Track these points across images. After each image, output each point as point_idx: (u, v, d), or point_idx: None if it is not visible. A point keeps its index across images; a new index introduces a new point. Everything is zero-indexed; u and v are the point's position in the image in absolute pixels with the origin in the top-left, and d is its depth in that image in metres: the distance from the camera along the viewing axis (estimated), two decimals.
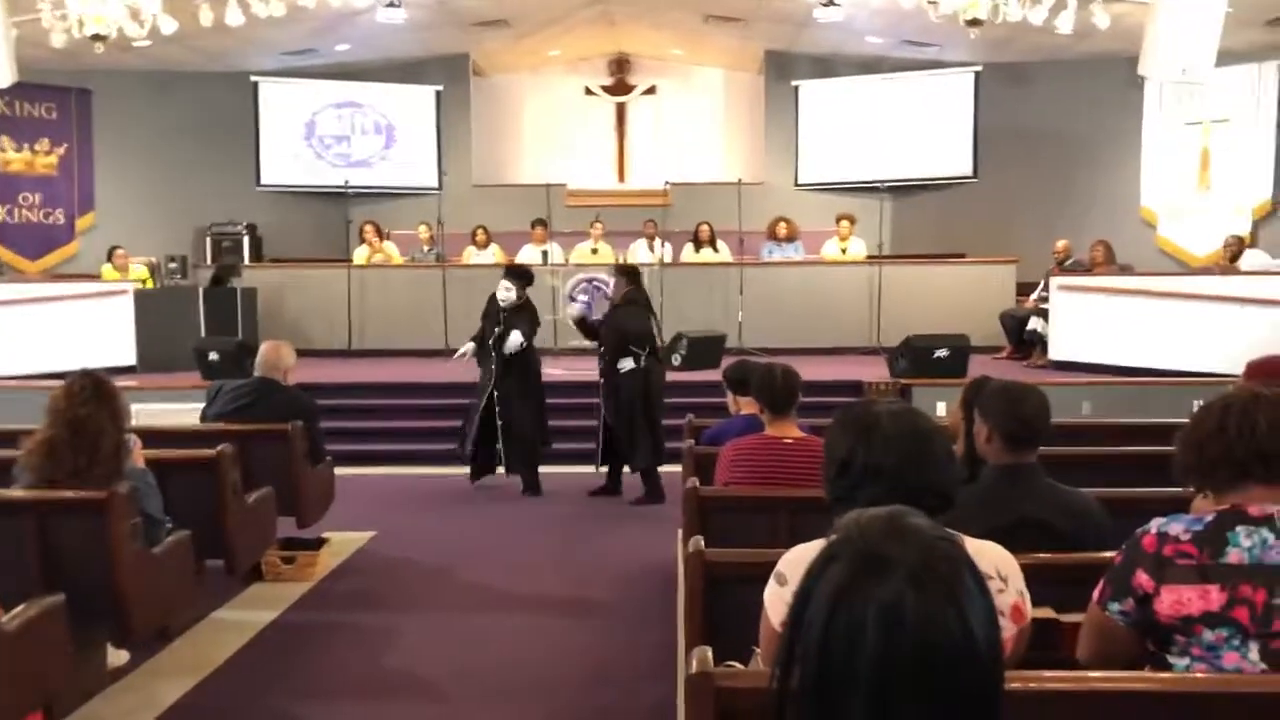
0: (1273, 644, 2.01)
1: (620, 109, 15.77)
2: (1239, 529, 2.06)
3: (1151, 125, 12.89)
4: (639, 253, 12.81)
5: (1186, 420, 2.31)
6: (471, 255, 12.98)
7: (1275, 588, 2.02)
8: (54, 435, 3.88)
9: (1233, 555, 2.04)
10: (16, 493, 3.88)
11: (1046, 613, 2.53)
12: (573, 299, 11.77)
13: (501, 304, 7.79)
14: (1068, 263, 11.12)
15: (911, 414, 2.23)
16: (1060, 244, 11.44)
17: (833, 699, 1.18)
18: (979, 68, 13.38)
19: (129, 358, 10.35)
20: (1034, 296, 11.16)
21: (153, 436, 5.04)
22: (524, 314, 7.86)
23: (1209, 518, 2.11)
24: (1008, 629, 2.11)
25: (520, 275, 8.04)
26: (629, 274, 7.81)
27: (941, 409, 8.40)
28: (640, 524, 6.86)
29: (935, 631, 1.16)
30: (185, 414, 7.72)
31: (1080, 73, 12.82)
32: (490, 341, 7.77)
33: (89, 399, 3.89)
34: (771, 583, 2.24)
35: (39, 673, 3.41)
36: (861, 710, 1.16)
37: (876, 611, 1.16)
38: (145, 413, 8.18)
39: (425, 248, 12.90)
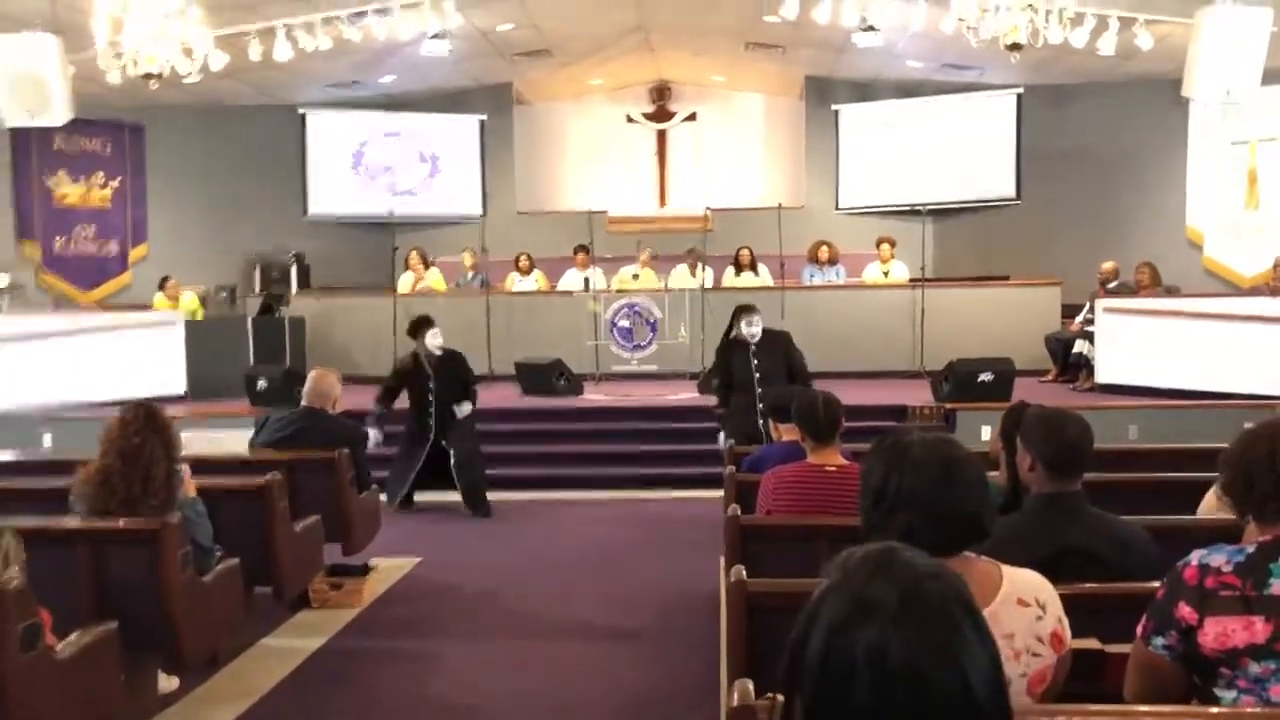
0: None
1: (661, 135, 15.86)
2: None
3: (1197, 145, 12.76)
4: (680, 277, 12.86)
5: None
6: (515, 282, 13.08)
7: None
8: (107, 465, 3.97)
9: (1276, 586, 2.03)
10: (71, 523, 3.98)
11: (1092, 643, 2.51)
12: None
13: (436, 354, 7.99)
14: (1112, 284, 11.00)
15: (944, 443, 2.24)
16: (1107, 265, 11.31)
17: None
18: (1021, 89, 13.33)
19: (180, 386, 10.54)
20: (1079, 319, 11.05)
21: (203, 465, 5.13)
22: (460, 368, 8.14)
23: (1250, 548, 2.09)
24: (1047, 657, 2.10)
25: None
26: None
27: (986, 433, 8.34)
28: (684, 551, 6.85)
29: (922, 671, 1.15)
30: (235, 441, 7.85)
31: (1123, 94, 12.73)
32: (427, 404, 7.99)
33: (142, 429, 3.98)
34: None
35: (91, 699, 3.48)
36: None
37: (864, 653, 1.17)
38: (196, 440, 8.32)
39: (469, 274, 13.03)
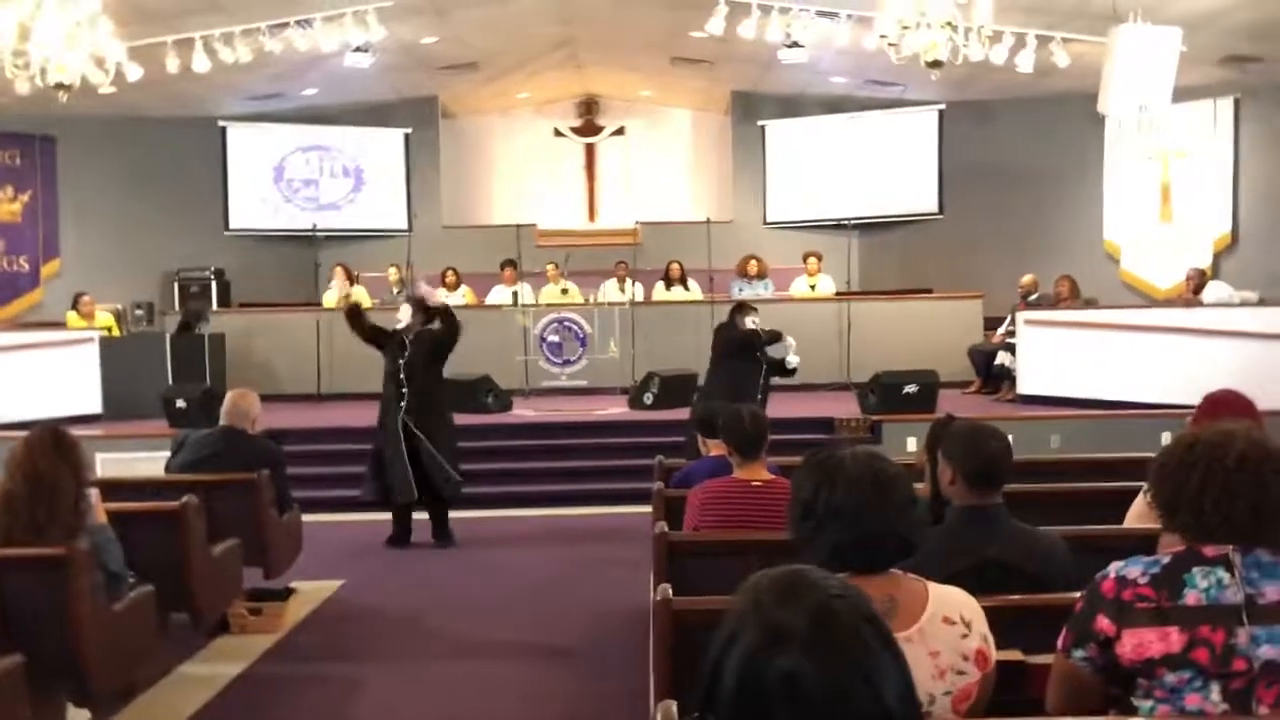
0: (1233, 684, 2.02)
1: (590, 150, 15.87)
2: (1195, 570, 2.07)
3: (1113, 160, 13.08)
4: (609, 292, 12.84)
5: (1153, 454, 2.32)
6: (441, 297, 12.94)
7: (1233, 628, 2.03)
8: (12, 489, 3.82)
9: (1190, 597, 2.05)
10: None
11: (1014, 655, 2.53)
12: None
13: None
14: (1032, 297, 11.22)
15: (873, 458, 2.24)
16: (1026, 278, 11.55)
17: None
18: (942, 106, 13.56)
19: (95, 406, 10.25)
20: (1000, 331, 11.25)
21: (116, 488, 4.99)
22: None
23: (1165, 559, 2.12)
24: (972, 675, 2.11)
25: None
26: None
27: (912, 444, 8.43)
28: (615, 567, 6.81)
29: (838, 694, 1.15)
30: (152, 462, 7.64)
31: (1042, 110, 13.01)
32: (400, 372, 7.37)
33: (47, 452, 3.84)
34: None
35: None
36: None
37: (779, 682, 1.16)
38: (111, 462, 8.10)
39: (395, 290, 12.87)
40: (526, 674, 4.98)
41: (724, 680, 1.19)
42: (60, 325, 11.46)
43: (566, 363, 12.19)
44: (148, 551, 4.58)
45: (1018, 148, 13.37)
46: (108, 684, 4.01)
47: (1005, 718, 2.11)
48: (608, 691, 4.70)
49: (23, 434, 4.04)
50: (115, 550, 4.12)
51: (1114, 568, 2.16)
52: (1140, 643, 2.06)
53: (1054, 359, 10.22)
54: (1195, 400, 4.04)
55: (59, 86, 7.49)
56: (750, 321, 7.78)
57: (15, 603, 3.73)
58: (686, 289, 12.90)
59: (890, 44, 8.92)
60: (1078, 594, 2.32)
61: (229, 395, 5.94)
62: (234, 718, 4.48)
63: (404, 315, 7.53)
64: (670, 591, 3.03)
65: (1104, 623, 2.11)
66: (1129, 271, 13.00)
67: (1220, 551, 2.09)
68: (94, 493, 4.07)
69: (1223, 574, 2.07)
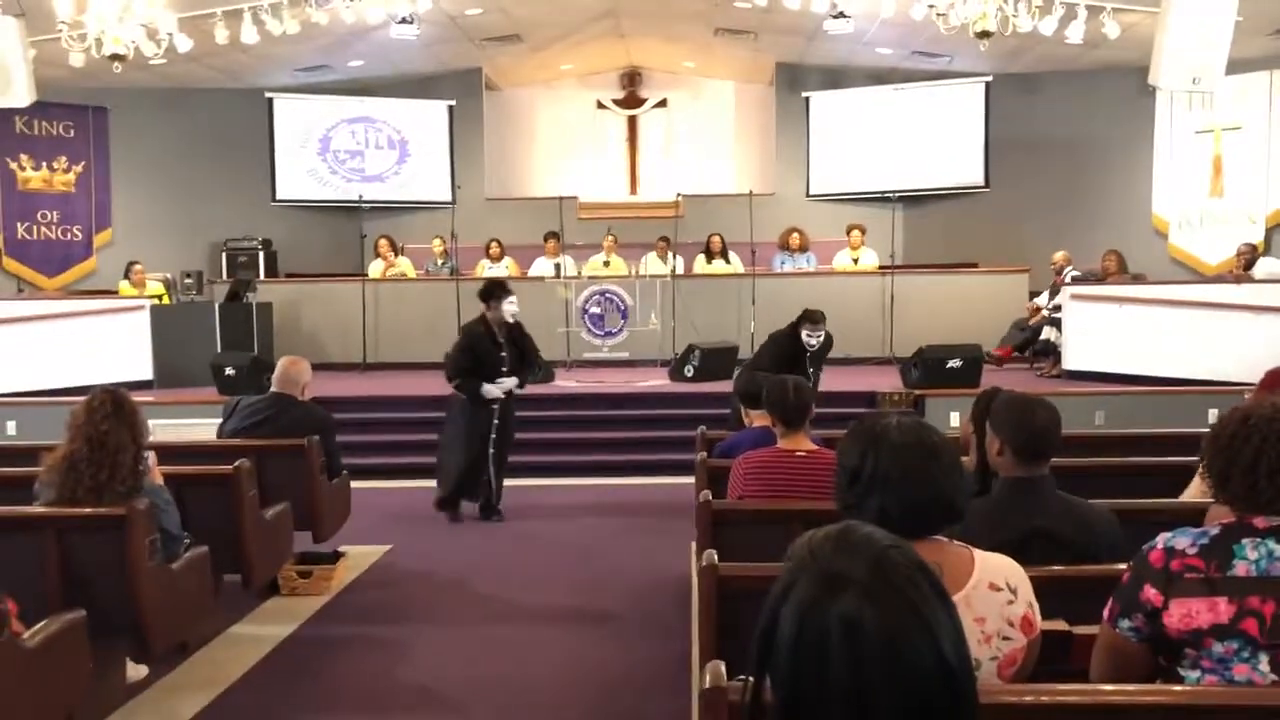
0: None
1: (632, 122, 15.84)
2: (1245, 541, 2.08)
3: (1163, 133, 12.88)
4: (651, 264, 12.86)
5: (1204, 430, 2.32)
6: (485, 268, 13.03)
7: None
8: (74, 451, 3.92)
9: (1240, 568, 2.06)
10: (36, 509, 3.93)
11: (1059, 625, 2.54)
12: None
13: (512, 321, 7.34)
14: (1066, 272, 11.08)
15: (919, 427, 2.26)
16: (1058, 255, 11.39)
17: (810, 715, 1.21)
18: (989, 78, 13.39)
19: (146, 373, 10.44)
20: (1044, 307, 11.14)
21: (170, 452, 5.09)
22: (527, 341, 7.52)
23: (1214, 530, 2.12)
24: (1018, 641, 2.13)
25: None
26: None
27: (955, 419, 8.41)
28: (656, 537, 6.87)
29: (897, 639, 1.18)
30: (202, 429, 7.79)
31: (1091, 82, 12.82)
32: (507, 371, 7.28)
33: (108, 415, 3.94)
34: None
35: (60, 688, 3.45)
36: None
37: (838, 627, 1.19)
38: (162, 428, 8.25)
39: (439, 261, 12.97)
40: (570, 639, 5.05)
41: (781, 629, 1.22)
42: (113, 294, 11.66)
43: (608, 334, 12.24)
44: (202, 514, 4.69)
45: (1065, 120, 13.20)
46: (165, 640, 4.12)
47: (1051, 683, 2.12)
48: (650, 656, 4.76)
49: (80, 399, 4.14)
50: (172, 512, 4.22)
51: (1162, 539, 2.17)
52: (1188, 613, 2.07)
53: (1100, 335, 10.12)
54: (1244, 377, 4.04)
55: (114, 57, 7.61)
56: (813, 339, 7.51)
57: (77, 560, 3.84)
58: (728, 262, 12.88)
59: (939, 14, 8.84)
60: (1124, 566, 2.33)
61: (280, 362, 6.04)
62: (284, 677, 4.58)
63: (509, 307, 7.30)
64: (715, 557, 3.07)
65: (1151, 593, 2.12)
66: (1177, 246, 12.82)
67: (1271, 523, 2.09)
68: (151, 455, 4.17)
69: (1274, 545, 2.07)
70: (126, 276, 11.76)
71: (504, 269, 12.97)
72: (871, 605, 1.18)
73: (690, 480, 7.60)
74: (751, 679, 1.28)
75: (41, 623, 3.37)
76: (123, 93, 12.70)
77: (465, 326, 7.65)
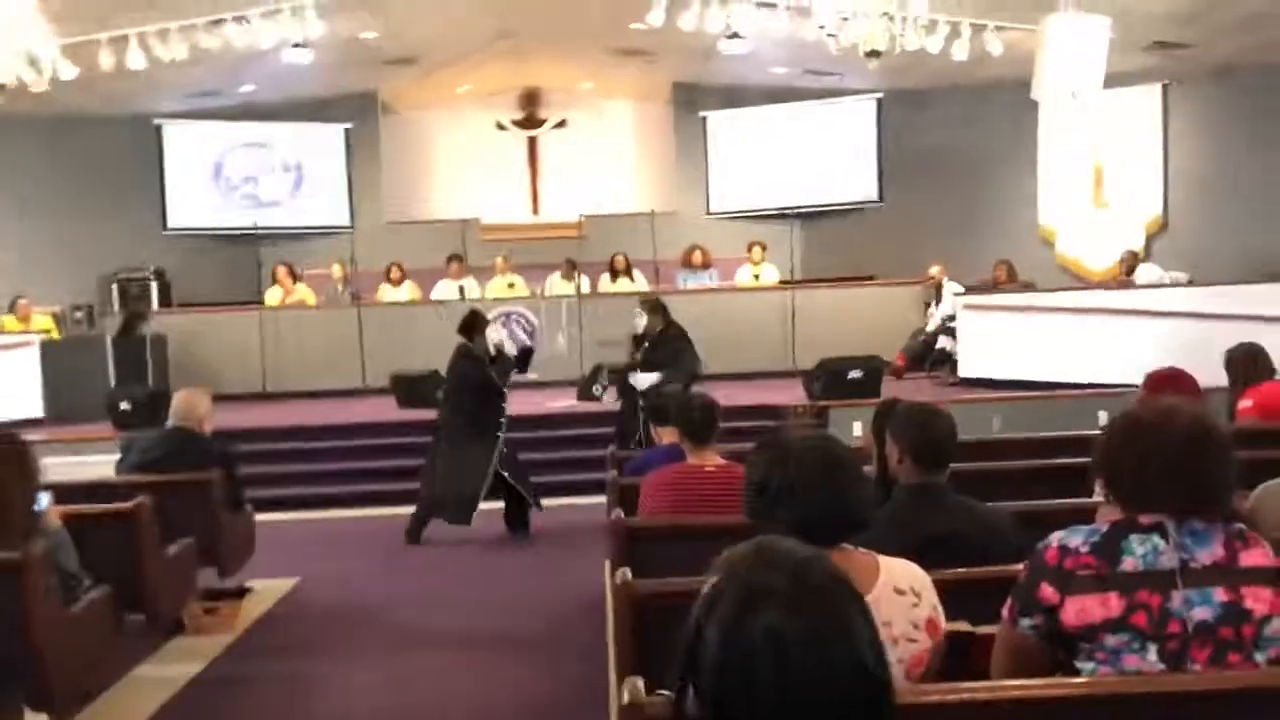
0: (1168, 645, 2.12)
1: (532, 142, 15.86)
2: (1132, 537, 2.17)
3: (1046, 146, 13.35)
4: (555, 285, 12.88)
5: (1096, 431, 2.42)
6: (387, 293, 12.91)
7: (1168, 592, 2.13)
8: None
9: (1127, 563, 2.15)
10: None
11: (962, 626, 2.63)
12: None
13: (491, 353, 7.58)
14: (945, 285, 11.46)
15: (825, 440, 2.33)
16: (934, 269, 11.76)
17: None
18: (880, 94, 13.75)
19: (37, 410, 10.10)
20: (933, 319, 11.50)
21: (67, 491, 4.94)
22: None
23: (1104, 528, 2.22)
24: (923, 643, 2.20)
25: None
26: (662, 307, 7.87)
27: (858, 429, 8.57)
28: (566, 558, 6.88)
29: (819, 647, 1.22)
30: (98, 466, 7.55)
31: (978, 97, 13.24)
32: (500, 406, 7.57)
33: None
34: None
35: None
36: None
37: (763, 638, 1.22)
38: (56, 466, 7.97)
39: (339, 287, 12.80)
40: (486, 664, 5.03)
41: (706, 644, 1.26)
42: None
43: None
44: (102, 554, 4.54)
45: (954, 134, 13.59)
46: (66, 687, 3.99)
47: (955, 682, 2.20)
48: (569, 677, 4.77)
49: None
50: (70, 553, 4.10)
51: (1055, 537, 2.26)
52: (1083, 609, 2.16)
53: (994, 342, 10.43)
54: (1133, 379, 4.21)
55: None
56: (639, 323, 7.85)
57: None
58: (632, 280, 12.97)
59: (829, 34, 9.06)
60: (1021, 566, 2.42)
61: (178, 395, 5.91)
62: (193, 718, 4.47)
63: (493, 336, 7.62)
64: (630, 574, 3.10)
65: (1048, 591, 2.21)
66: (1064, 254, 13.29)
67: (1156, 519, 2.19)
68: (47, 496, 4.05)
69: (1158, 540, 2.17)
70: (11, 311, 11.36)
71: (406, 293, 12.87)
72: (793, 615, 1.22)
73: (602, 499, 7.67)
74: (675, 694, 1.31)
75: None
76: (3, 121, 12.29)
77: (460, 365, 7.61)
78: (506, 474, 7.47)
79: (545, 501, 8.31)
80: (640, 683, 2.17)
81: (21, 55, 7.69)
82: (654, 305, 8.01)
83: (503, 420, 7.54)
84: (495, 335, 7.61)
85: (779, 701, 1.21)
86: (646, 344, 7.82)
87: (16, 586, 3.70)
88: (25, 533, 3.80)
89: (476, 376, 7.48)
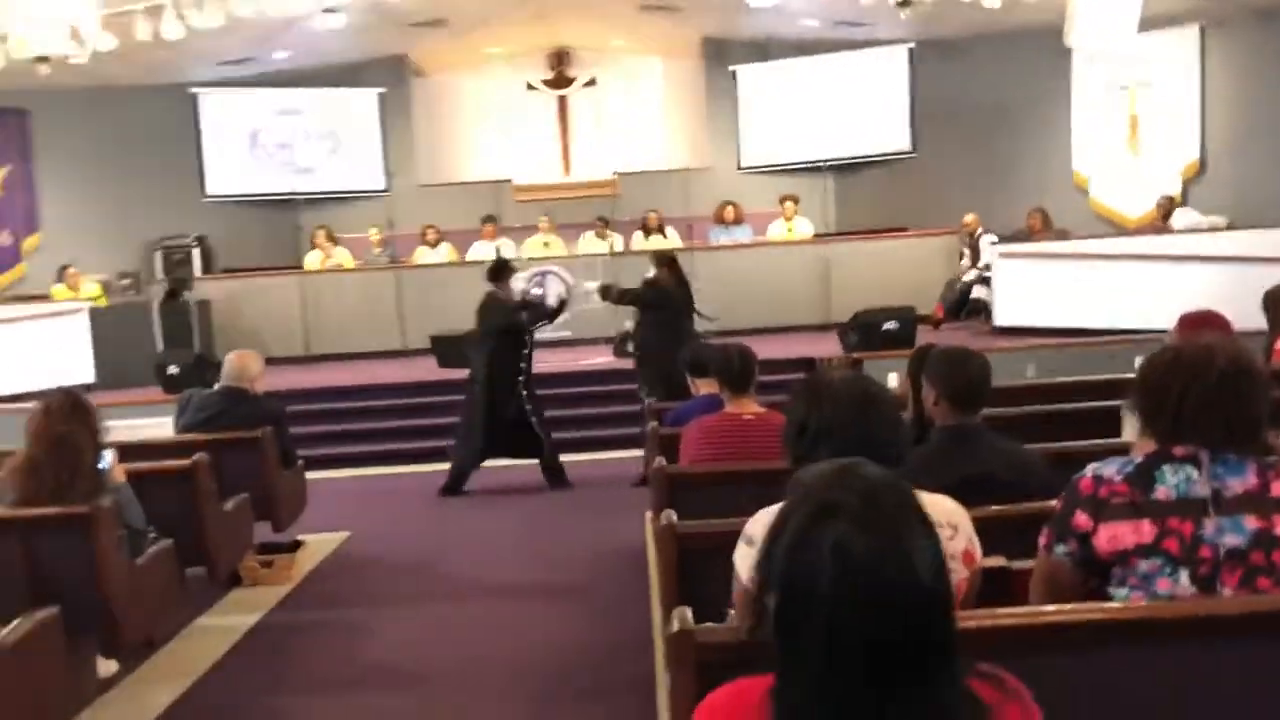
0: (1200, 570, 2.20)
1: (562, 102, 15.85)
2: (1165, 468, 2.25)
3: (1080, 92, 13.20)
4: (588, 244, 12.95)
5: (1131, 376, 2.49)
6: (423, 255, 13.04)
7: (1200, 519, 2.21)
8: (35, 454, 3.96)
9: (1160, 492, 2.23)
10: (1, 512, 3.96)
11: (998, 561, 2.71)
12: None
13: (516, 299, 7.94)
14: (980, 234, 11.40)
15: (859, 379, 2.42)
16: (968, 218, 11.71)
17: (794, 633, 1.33)
18: (912, 44, 13.63)
19: (88, 375, 10.32)
20: (968, 269, 11.48)
21: (127, 450, 5.11)
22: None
23: (1138, 459, 2.30)
24: (960, 572, 2.29)
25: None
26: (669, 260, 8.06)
27: (893, 380, 8.62)
28: (607, 510, 7.01)
29: (881, 566, 1.29)
30: (149, 428, 7.76)
31: (1010, 44, 13.08)
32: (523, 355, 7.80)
33: (67, 416, 3.98)
34: (740, 544, 2.41)
35: (35, 686, 3.50)
36: (818, 640, 1.30)
37: (828, 552, 1.30)
38: (110, 429, 8.19)
39: (377, 250, 12.95)
40: (531, 613, 5.17)
41: (778, 549, 1.35)
42: (45, 298, 11.50)
43: None
44: (163, 509, 4.72)
45: (987, 83, 13.46)
46: (134, 634, 4.18)
47: (992, 609, 2.29)
48: (612, 625, 4.91)
49: (24, 404, 4.17)
50: (135, 507, 4.27)
51: (1091, 468, 2.34)
52: (1115, 535, 2.24)
53: (1028, 290, 10.42)
54: (1168, 325, 4.24)
55: (39, 59, 7.52)
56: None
57: (45, 561, 3.88)
58: (665, 237, 13.01)
59: None
60: (1055, 502, 2.50)
61: (230, 356, 6.07)
62: (252, 665, 4.65)
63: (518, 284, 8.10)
64: (674, 516, 3.21)
65: (1082, 518, 2.29)
66: (1099, 201, 13.17)
67: (1189, 451, 2.27)
68: (112, 453, 4.21)
69: (1191, 470, 2.25)
70: (60, 280, 11.60)
71: (442, 254, 12.99)
72: (860, 532, 1.30)
73: (637, 454, 7.79)
74: (756, 587, 1.40)
75: (15, 622, 3.41)
76: (43, 94, 12.47)
77: (491, 305, 7.78)
78: (534, 419, 7.61)
79: (583, 456, 8.48)
80: (688, 612, 2.29)
81: (64, 27, 7.81)
82: (660, 258, 8.17)
83: (525, 366, 7.71)
84: (519, 284, 7.79)
85: (837, 614, 1.28)
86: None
87: (87, 539, 3.87)
88: (94, 488, 3.97)
89: (501, 319, 7.62)
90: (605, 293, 8.31)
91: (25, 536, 3.86)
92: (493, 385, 7.57)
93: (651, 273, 8.13)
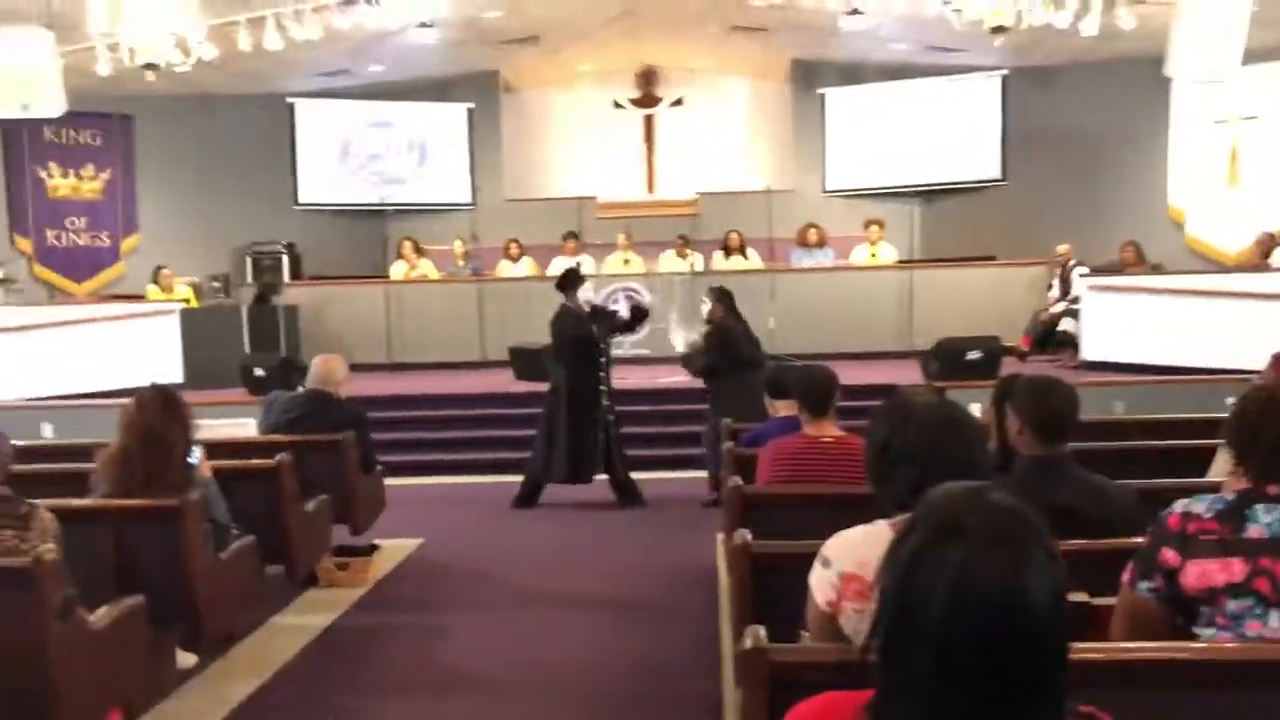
0: None
1: (648, 121, 15.94)
2: (1258, 506, 2.19)
3: (1179, 124, 12.91)
4: (668, 263, 12.98)
5: (1219, 415, 2.44)
6: (506, 269, 13.19)
7: None
8: (127, 446, 4.08)
9: (1253, 530, 2.17)
10: (95, 501, 4.09)
11: (1080, 597, 2.66)
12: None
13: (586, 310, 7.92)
14: (1071, 265, 11.19)
15: (944, 404, 2.39)
16: (1061, 248, 11.49)
17: (903, 652, 1.30)
18: (1005, 72, 13.46)
19: (177, 375, 10.58)
20: (1054, 299, 11.27)
21: (213, 448, 5.24)
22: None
23: (1229, 497, 2.24)
24: None
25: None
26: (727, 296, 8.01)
27: (976, 410, 8.49)
28: (678, 529, 7.01)
29: (996, 595, 1.25)
30: (233, 429, 7.95)
31: (1106, 74, 12.86)
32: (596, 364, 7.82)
33: (159, 410, 4.10)
34: (816, 566, 2.40)
35: (122, 669, 3.61)
36: (927, 663, 1.27)
37: (945, 574, 1.27)
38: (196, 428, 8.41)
39: (460, 262, 13.13)
40: (602, 624, 5.19)
41: (892, 569, 1.33)
42: (140, 298, 11.86)
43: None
44: (246, 507, 4.83)
45: (1081, 112, 13.24)
46: (216, 627, 4.28)
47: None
48: (681, 641, 4.89)
49: (115, 401, 4.30)
50: (221, 503, 4.38)
51: (1179, 505, 2.29)
52: (1204, 572, 2.18)
53: (1119, 325, 10.19)
54: (1259, 365, 4.13)
55: (148, 66, 7.78)
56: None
57: (133, 551, 3.99)
58: (745, 258, 13.00)
59: (953, 9, 8.93)
60: (1140, 539, 2.44)
61: (317, 360, 6.20)
62: (326, 665, 4.73)
63: (586, 294, 8.04)
64: (749, 535, 3.20)
65: (1169, 555, 2.24)
66: (1195, 236, 12.85)
67: None
68: (200, 449, 4.33)
69: None
70: (155, 281, 11.96)
71: (524, 268, 13.12)
72: (980, 557, 1.26)
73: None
74: (869, 635, 1.39)
75: (104, 608, 3.52)
76: (147, 100, 12.90)
77: (563, 316, 7.85)
78: (608, 435, 7.64)
79: (658, 475, 8.48)
80: (761, 630, 2.28)
81: (170, 38, 8.08)
82: (719, 294, 8.11)
83: (603, 375, 7.72)
84: (587, 294, 7.86)
85: (948, 638, 1.26)
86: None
87: (175, 532, 3.97)
88: (183, 482, 4.08)
89: (573, 329, 7.66)
90: (688, 362, 8.30)
91: (116, 526, 3.98)
92: (571, 400, 7.59)
93: (706, 308, 8.07)
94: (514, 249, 13.21)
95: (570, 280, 7.88)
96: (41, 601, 3.12)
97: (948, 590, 1.27)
